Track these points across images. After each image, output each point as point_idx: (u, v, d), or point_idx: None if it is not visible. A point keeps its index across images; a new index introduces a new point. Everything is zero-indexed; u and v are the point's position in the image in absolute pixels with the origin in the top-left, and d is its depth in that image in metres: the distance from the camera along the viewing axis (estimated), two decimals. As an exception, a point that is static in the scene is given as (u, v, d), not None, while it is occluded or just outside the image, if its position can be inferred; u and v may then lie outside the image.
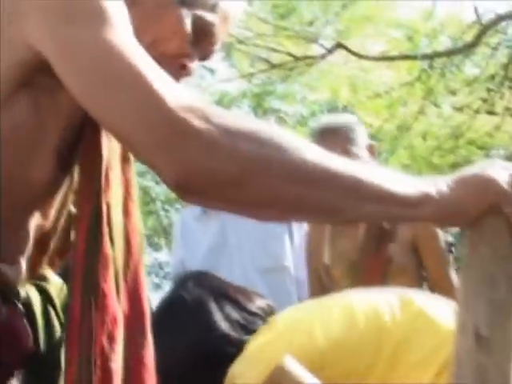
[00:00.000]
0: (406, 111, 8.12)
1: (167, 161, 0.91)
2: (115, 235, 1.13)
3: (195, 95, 0.97)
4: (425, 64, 7.83)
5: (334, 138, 2.60)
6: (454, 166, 10.76)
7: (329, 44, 7.83)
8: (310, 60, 7.71)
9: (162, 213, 13.47)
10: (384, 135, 9.04)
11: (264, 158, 0.91)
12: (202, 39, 1.22)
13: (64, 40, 0.98)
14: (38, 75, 1.03)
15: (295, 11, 8.72)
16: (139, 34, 1.13)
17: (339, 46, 7.42)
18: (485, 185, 1.01)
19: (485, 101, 7.92)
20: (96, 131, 1.12)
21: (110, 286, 1.10)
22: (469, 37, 7.32)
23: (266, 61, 8.00)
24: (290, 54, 7.48)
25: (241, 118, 0.96)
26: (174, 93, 0.94)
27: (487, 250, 1.00)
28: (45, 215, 1.16)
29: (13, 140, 1.05)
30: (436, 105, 9.06)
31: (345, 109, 9.10)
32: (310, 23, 8.29)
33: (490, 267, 1.00)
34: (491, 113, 8.35)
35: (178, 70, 1.22)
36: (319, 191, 0.94)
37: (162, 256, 13.70)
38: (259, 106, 11.56)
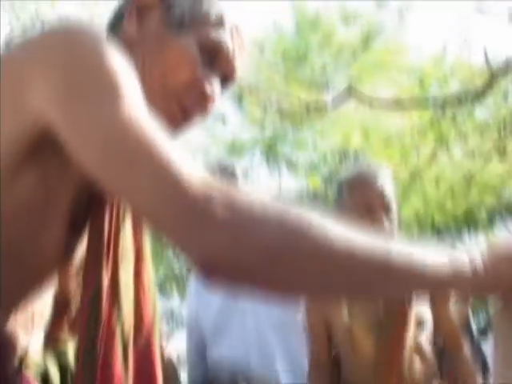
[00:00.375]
0: (418, 157, 8.12)
1: (190, 244, 0.89)
2: (123, 301, 1.11)
3: (207, 173, 0.94)
4: (437, 109, 7.86)
5: (371, 191, 2.47)
6: (467, 211, 10.75)
7: (340, 91, 7.87)
8: (321, 107, 7.74)
9: (173, 260, 13.45)
10: (396, 181, 9.04)
11: (290, 245, 0.89)
12: (215, 58, 1.19)
13: (76, 115, 0.96)
14: (45, 147, 1.00)
15: (306, 58, 8.81)
16: (147, 74, 1.14)
17: (351, 92, 7.45)
18: None
19: (496, 145, 7.91)
20: (102, 202, 1.11)
21: (114, 356, 1.08)
22: (479, 81, 7.35)
23: (278, 108, 8.04)
24: (301, 101, 7.51)
25: (262, 200, 0.92)
26: (191, 171, 0.91)
27: None
28: (64, 281, 1.15)
29: (22, 214, 1.03)
30: (448, 150, 9.08)
31: (356, 155, 9.13)
32: (322, 70, 8.35)
33: None
34: (503, 157, 8.34)
35: (198, 99, 1.19)
36: (350, 274, 0.91)
37: (174, 303, 13.65)
38: (271, 153, 11.61)
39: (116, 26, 1.22)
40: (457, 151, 9.43)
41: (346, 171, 2.65)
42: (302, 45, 9.06)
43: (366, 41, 7.41)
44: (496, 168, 8.36)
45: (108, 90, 0.96)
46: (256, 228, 0.88)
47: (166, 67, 1.16)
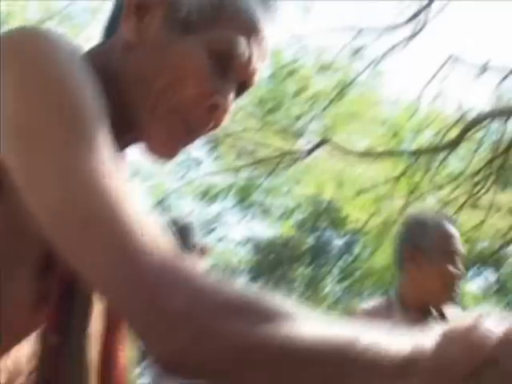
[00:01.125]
0: (391, 206, 8.14)
1: (154, 343, 0.80)
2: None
3: (175, 247, 0.83)
4: (410, 159, 7.91)
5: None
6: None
7: (315, 139, 7.90)
8: (296, 154, 7.76)
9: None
10: (370, 230, 9.05)
11: (255, 341, 0.82)
12: (229, 63, 1.00)
13: (28, 168, 0.83)
14: (9, 188, 0.86)
15: (282, 106, 8.86)
16: (146, 85, 0.99)
17: (325, 141, 7.49)
18: (481, 341, 0.92)
19: (470, 196, 7.97)
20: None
21: None
22: (453, 132, 7.42)
23: (253, 155, 8.05)
24: (276, 149, 7.52)
25: (232, 293, 0.82)
26: (153, 248, 0.79)
27: None
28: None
29: None
30: (421, 200, 9.12)
31: (330, 203, 9.15)
32: (297, 118, 8.40)
33: None
34: (476, 207, 8.39)
35: (207, 113, 1.01)
36: (315, 368, 0.86)
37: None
38: (245, 199, 11.61)
39: (112, 27, 1.06)
40: (430, 201, 9.48)
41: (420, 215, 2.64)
42: (278, 93, 9.12)
43: (341, 90, 7.46)
44: (469, 218, 8.40)
45: (69, 129, 0.83)
46: (220, 324, 0.80)
47: (169, 78, 0.98)
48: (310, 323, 0.86)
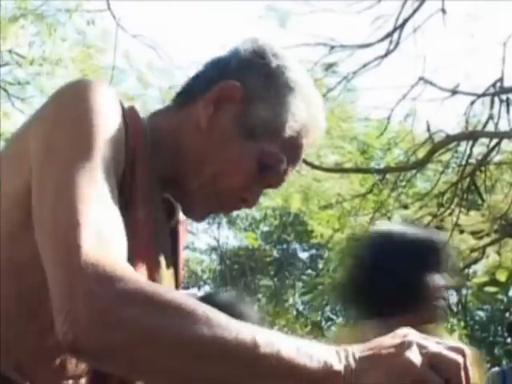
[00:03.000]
0: (356, 222, 8.18)
1: (60, 321, 0.87)
2: None
3: (117, 252, 0.93)
4: (377, 177, 7.95)
5: None
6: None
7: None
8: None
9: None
10: (334, 245, 9.08)
11: (154, 330, 0.86)
12: (267, 172, 1.20)
13: (39, 180, 1.00)
14: None
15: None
16: (201, 164, 1.18)
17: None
18: (403, 369, 0.90)
19: (435, 216, 8.02)
20: None
21: None
22: (421, 152, 7.47)
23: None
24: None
25: (146, 285, 0.90)
26: (97, 248, 0.90)
27: None
28: None
29: (33, 268, 1.01)
30: (387, 217, 9.17)
31: (296, 216, 9.17)
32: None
33: None
34: (440, 228, 8.45)
35: (238, 203, 1.23)
36: (212, 365, 0.87)
37: None
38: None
39: (189, 96, 1.23)
40: (395, 218, 9.53)
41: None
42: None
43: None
44: (433, 238, 8.45)
45: (79, 156, 0.98)
46: (117, 310, 0.86)
47: (221, 170, 1.18)
48: (215, 320, 0.88)
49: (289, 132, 1.20)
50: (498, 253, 8.76)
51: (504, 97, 6.92)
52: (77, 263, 0.88)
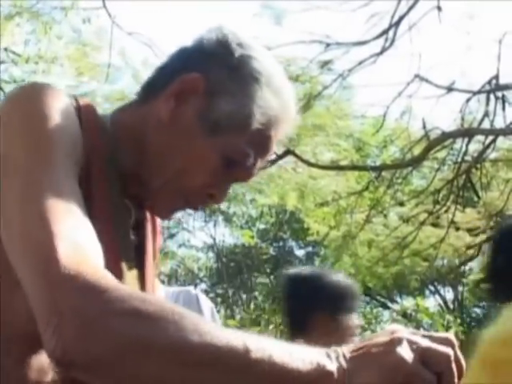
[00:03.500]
0: (352, 220, 8.19)
1: (47, 337, 0.85)
2: None
3: (94, 262, 0.91)
4: (373, 174, 7.96)
5: None
6: (398, 276, 10.84)
7: (279, 150, 7.91)
8: (260, 164, 7.76)
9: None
10: (330, 242, 9.09)
11: (141, 340, 0.84)
12: (234, 168, 1.15)
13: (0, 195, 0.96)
14: None
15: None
16: (165, 159, 1.14)
17: (289, 152, 7.50)
18: (394, 367, 0.90)
19: (430, 213, 8.03)
20: None
21: None
22: (417, 150, 7.48)
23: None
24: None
25: (129, 295, 0.88)
26: (74, 260, 0.88)
27: None
28: None
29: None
30: (383, 215, 9.18)
31: (292, 214, 9.17)
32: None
33: None
34: (436, 225, 8.47)
35: (205, 199, 1.19)
36: (203, 373, 0.86)
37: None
38: (207, 207, 11.58)
39: (152, 90, 1.19)
40: (392, 217, 9.55)
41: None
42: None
43: (308, 102, 7.48)
44: (428, 235, 8.47)
45: (38, 161, 0.96)
46: (104, 322, 0.84)
47: (185, 166, 1.14)
48: (203, 328, 0.87)
49: (256, 125, 1.14)
50: (494, 250, 8.76)
51: (499, 94, 6.94)
52: (57, 277, 0.86)
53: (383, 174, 8.06)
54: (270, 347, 0.88)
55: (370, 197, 8.22)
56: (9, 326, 1.03)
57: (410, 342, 0.92)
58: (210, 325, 0.88)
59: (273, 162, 7.69)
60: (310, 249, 16.51)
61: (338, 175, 8.68)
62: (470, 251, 8.80)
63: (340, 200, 8.35)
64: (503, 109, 6.91)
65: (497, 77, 6.80)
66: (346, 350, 0.92)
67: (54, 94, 1.04)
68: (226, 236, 16.92)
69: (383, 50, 7.00)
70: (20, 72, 9.23)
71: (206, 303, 2.79)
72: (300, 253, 17.01)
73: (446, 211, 7.81)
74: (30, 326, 1.03)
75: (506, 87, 6.88)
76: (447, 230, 8.01)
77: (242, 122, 1.14)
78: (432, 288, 15.34)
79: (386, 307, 16.13)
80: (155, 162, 1.15)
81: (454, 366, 0.92)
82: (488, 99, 7.00)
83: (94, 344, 0.84)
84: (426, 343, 0.93)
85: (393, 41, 6.94)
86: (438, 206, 7.85)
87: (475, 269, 12.68)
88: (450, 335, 0.96)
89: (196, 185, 1.15)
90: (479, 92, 7.06)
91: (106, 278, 0.88)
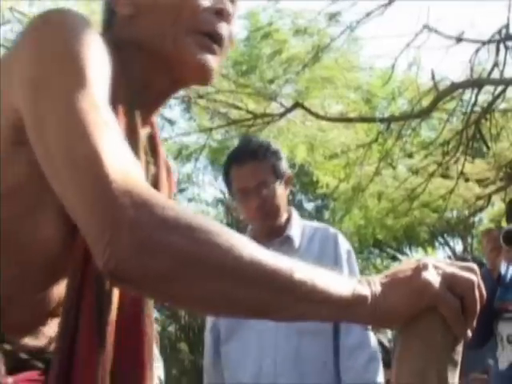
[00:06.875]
0: (362, 172, 8.19)
1: (101, 249, 0.87)
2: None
3: (141, 177, 0.93)
4: (382, 126, 7.94)
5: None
6: (408, 228, 10.88)
7: (288, 103, 7.90)
8: (268, 118, 7.76)
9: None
10: (339, 195, 9.12)
11: (197, 255, 0.88)
12: None
13: (34, 115, 0.98)
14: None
15: (256, 69, 8.82)
16: (159, 26, 1.15)
17: (298, 105, 7.48)
18: (420, 289, 0.98)
19: (440, 165, 8.02)
20: None
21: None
22: (426, 101, 7.45)
23: (226, 116, 8.03)
24: (249, 111, 7.51)
25: (182, 211, 0.90)
26: (123, 175, 0.90)
27: (419, 346, 1.00)
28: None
29: (16, 198, 1.04)
30: (392, 167, 9.18)
31: (301, 167, 9.18)
32: (271, 81, 8.37)
33: (421, 362, 0.99)
34: (446, 177, 8.47)
35: (217, 18, 1.18)
36: (253, 290, 0.91)
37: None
38: (217, 161, 11.59)
39: (110, 18, 1.22)
40: (401, 168, 9.55)
41: None
42: (252, 55, 9.08)
43: (316, 55, 7.44)
44: (438, 186, 8.48)
45: (73, 81, 0.97)
46: (161, 237, 0.87)
47: (172, 11, 1.15)
48: (253, 247, 0.91)
49: None
50: (504, 200, 8.78)
51: (510, 43, 6.87)
52: (110, 192, 0.87)
53: (392, 125, 8.03)
54: (312, 269, 0.95)
55: (379, 149, 8.20)
56: (27, 252, 1.06)
57: (436, 268, 0.99)
58: (255, 244, 0.92)
59: (282, 115, 7.70)
60: (319, 202, 16.54)
61: (346, 128, 8.66)
62: (480, 202, 8.83)
63: (349, 152, 8.34)
64: (513, 58, 6.86)
65: (507, 26, 6.74)
66: (376, 277, 1.00)
67: (82, 19, 1.06)
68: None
69: (391, 1, 6.93)
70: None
71: (345, 245, 2.75)
72: (309, 206, 17.05)
73: (456, 162, 7.80)
74: (52, 252, 1.08)
75: (516, 36, 6.82)
76: (457, 182, 8.01)
77: None
78: (441, 240, 15.38)
79: (395, 259, 16.21)
80: (154, 40, 1.16)
81: (476, 291, 0.99)
82: (498, 49, 6.93)
83: (149, 259, 0.86)
84: (450, 269, 0.99)
85: (401, -9, 6.87)
86: (447, 158, 7.83)
87: (485, 220, 12.72)
88: (473, 265, 1.02)
89: (196, 12, 1.15)
90: (489, 42, 7.00)
91: (158, 194, 0.91)
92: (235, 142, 10.13)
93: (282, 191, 2.65)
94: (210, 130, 8.47)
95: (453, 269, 1.00)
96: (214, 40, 1.18)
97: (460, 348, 1.02)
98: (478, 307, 1.00)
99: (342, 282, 0.97)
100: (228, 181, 2.70)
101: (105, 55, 1.05)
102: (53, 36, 1.02)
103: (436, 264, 1.01)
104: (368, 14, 7.03)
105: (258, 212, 2.61)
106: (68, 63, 0.99)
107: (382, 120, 8.02)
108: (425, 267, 1.00)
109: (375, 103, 9.69)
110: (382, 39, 9.00)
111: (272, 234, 2.68)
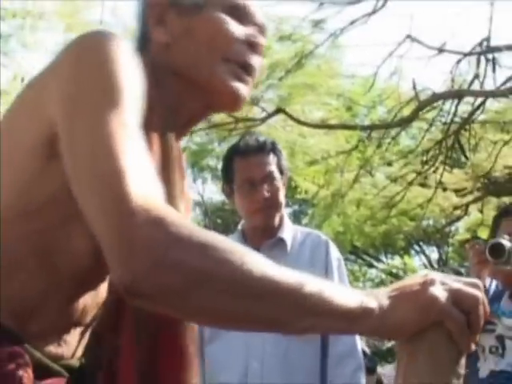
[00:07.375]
0: (341, 179, 8.23)
1: (117, 266, 0.90)
2: None
3: (161, 196, 0.96)
4: (363, 134, 7.99)
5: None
6: (385, 235, 10.93)
7: (270, 108, 7.92)
8: (250, 122, 7.78)
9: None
10: (319, 201, 9.14)
11: (210, 272, 0.90)
12: (243, 14, 1.25)
13: (68, 131, 1.01)
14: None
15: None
16: (195, 56, 1.22)
17: (280, 110, 7.51)
18: (428, 304, 1.00)
19: (419, 173, 8.09)
20: None
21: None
22: (407, 110, 7.50)
23: (207, 119, 8.03)
24: (230, 115, 7.52)
25: (197, 230, 0.92)
26: (143, 193, 0.92)
27: (426, 360, 1.01)
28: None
29: (50, 210, 1.06)
30: (371, 174, 9.23)
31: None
32: (254, 86, 8.37)
33: (428, 376, 1.00)
34: (424, 185, 8.52)
35: (249, 49, 1.24)
36: (264, 305, 0.93)
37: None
38: (196, 164, 11.59)
39: (145, 43, 1.27)
40: (380, 176, 9.60)
41: None
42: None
43: (299, 61, 7.47)
44: (416, 195, 8.53)
45: (107, 100, 1.00)
46: (176, 254, 0.89)
47: (207, 42, 1.22)
48: (263, 263, 0.94)
49: None
50: (481, 211, 8.86)
51: (490, 56, 6.95)
52: (128, 209, 0.90)
53: (373, 133, 8.08)
54: (321, 284, 0.96)
55: (359, 156, 8.25)
56: (58, 263, 1.09)
57: (443, 283, 1.02)
58: (266, 260, 0.94)
59: (263, 120, 7.72)
60: (296, 207, 16.58)
61: (327, 134, 8.69)
62: (457, 212, 8.89)
63: (329, 159, 8.37)
64: (493, 71, 6.93)
65: (488, 39, 6.82)
66: (383, 290, 1.02)
67: (121, 42, 1.09)
68: (214, 193, 16.97)
69: (375, 10, 6.99)
70: (6, 27, 9.11)
71: (335, 253, 2.71)
72: (286, 211, 17.11)
73: (434, 172, 7.87)
74: (82, 263, 1.10)
75: (497, 49, 6.89)
76: (435, 191, 8.07)
77: None
78: (417, 248, 15.47)
79: (371, 266, 16.27)
80: (190, 70, 1.23)
81: (481, 307, 1.01)
82: (478, 61, 7.01)
83: (164, 276, 0.89)
84: (456, 285, 1.02)
85: (385, 1, 6.93)
86: (426, 167, 7.90)
87: (461, 229, 12.79)
88: (478, 281, 1.05)
89: (229, 43, 1.22)
90: (470, 54, 7.07)
91: (174, 213, 0.93)
92: (215, 146, 10.15)
93: (282, 189, 2.64)
94: (191, 132, 8.46)
95: (459, 285, 1.02)
96: (245, 70, 1.24)
97: (463, 361, 1.03)
98: (482, 323, 1.02)
99: (350, 294, 0.99)
100: (228, 173, 2.66)
101: (140, 77, 1.08)
102: (92, 56, 1.06)
103: (442, 280, 1.03)
104: (352, 22, 7.08)
105: (264, 203, 2.57)
106: (103, 82, 1.03)
107: (363, 128, 8.06)
108: (432, 282, 1.01)
109: (356, 111, 9.73)
110: (365, 47, 9.04)
111: (264, 235, 2.66)
